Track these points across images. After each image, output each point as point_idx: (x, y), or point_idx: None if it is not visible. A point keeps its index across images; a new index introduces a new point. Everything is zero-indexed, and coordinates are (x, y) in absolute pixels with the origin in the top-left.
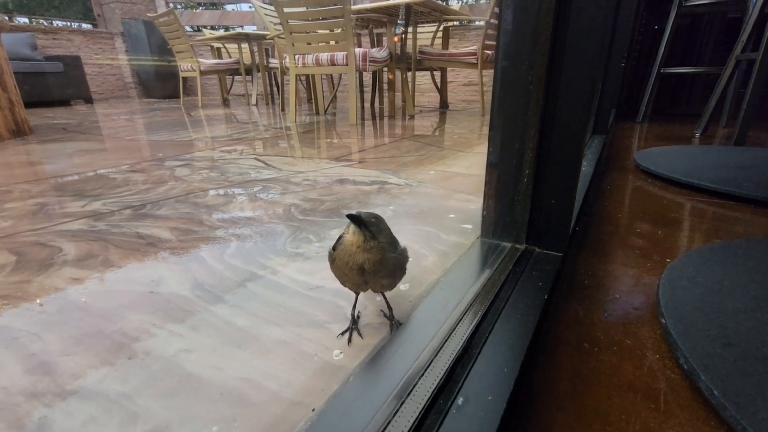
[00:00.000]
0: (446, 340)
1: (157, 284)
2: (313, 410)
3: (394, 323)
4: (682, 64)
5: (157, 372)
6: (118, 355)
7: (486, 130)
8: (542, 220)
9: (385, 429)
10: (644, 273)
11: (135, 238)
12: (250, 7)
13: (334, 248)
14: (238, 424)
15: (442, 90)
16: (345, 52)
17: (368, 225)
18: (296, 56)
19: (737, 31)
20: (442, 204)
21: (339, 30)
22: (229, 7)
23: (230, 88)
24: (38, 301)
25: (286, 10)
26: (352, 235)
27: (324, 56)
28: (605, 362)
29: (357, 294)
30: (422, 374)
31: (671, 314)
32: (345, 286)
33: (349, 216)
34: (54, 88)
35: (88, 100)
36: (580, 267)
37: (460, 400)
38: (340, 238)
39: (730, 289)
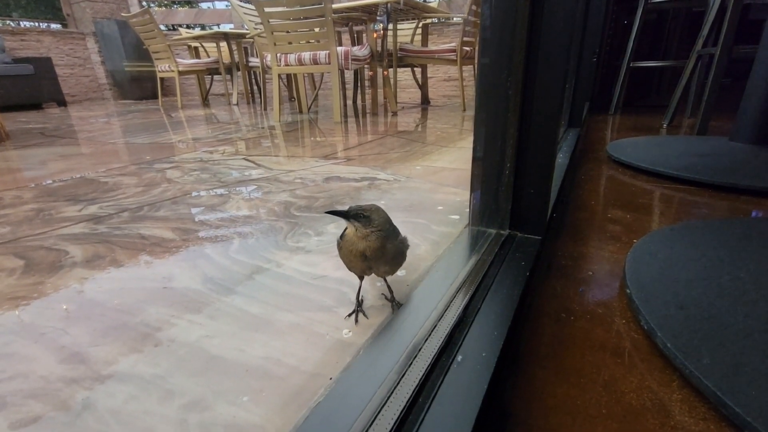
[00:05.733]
0: (445, 312)
1: (169, 280)
2: (331, 379)
3: (395, 304)
4: (650, 57)
5: (184, 356)
6: (145, 343)
7: (467, 125)
8: (523, 208)
9: (399, 382)
10: (614, 253)
11: (138, 239)
12: (226, 5)
13: (341, 237)
14: (265, 394)
15: (423, 86)
16: (327, 51)
17: (356, 216)
18: (278, 55)
19: (701, 25)
20: (430, 197)
21: (320, 29)
22: (204, 5)
23: (209, 87)
24: (57, 300)
25: (267, 9)
26: (349, 228)
27: (306, 55)
28: (580, 328)
29: (361, 279)
30: (427, 338)
31: (635, 285)
32: (351, 271)
33: (329, 212)
34: (25, 91)
35: (61, 103)
36: (558, 249)
37: (459, 358)
38: (346, 228)
39: (685, 263)
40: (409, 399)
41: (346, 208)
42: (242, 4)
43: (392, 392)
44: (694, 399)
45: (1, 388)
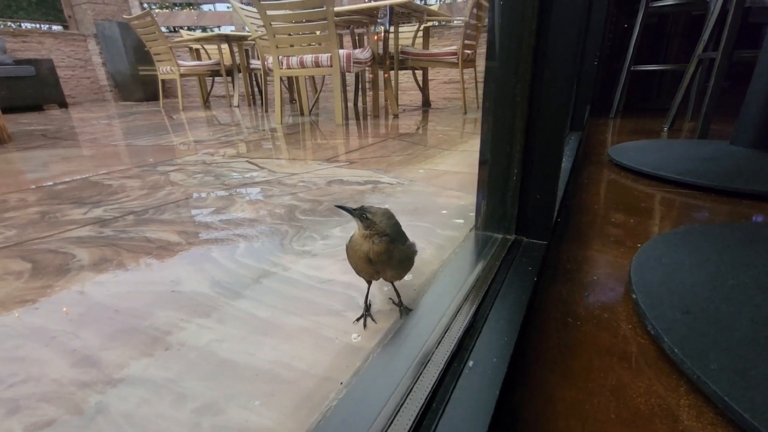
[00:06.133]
0: (454, 318)
1: (176, 284)
2: (342, 383)
3: (404, 309)
4: (650, 61)
5: (194, 360)
6: (155, 347)
7: (468, 128)
8: (529, 213)
9: (413, 387)
10: (618, 257)
11: (145, 242)
12: (228, 7)
13: (350, 240)
14: (277, 398)
15: (424, 89)
16: (329, 54)
17: (360, 216)
18: (280, 58)
19: (701, 28)
20: (434, 201)
21: (322, 32)
22: (205, 8)
23: (210, 89)
24: (66, 304)
25: (269, 12)
26: (356, 228)
27: (308, 58)
28: (587, 333)
29: (369, 283)
30: (438, 344)
31: (641, 290)
32: (359, 275)
33: (338, 206)
34: (26, 92)
35: (63, 105)
36: (563, 254)
37: (470, 363)
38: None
39: (690, 267)
40: (423, 403)
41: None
42: (243, 6)
43: (407, 397)
44: (701, 404)
45: (13, 392)
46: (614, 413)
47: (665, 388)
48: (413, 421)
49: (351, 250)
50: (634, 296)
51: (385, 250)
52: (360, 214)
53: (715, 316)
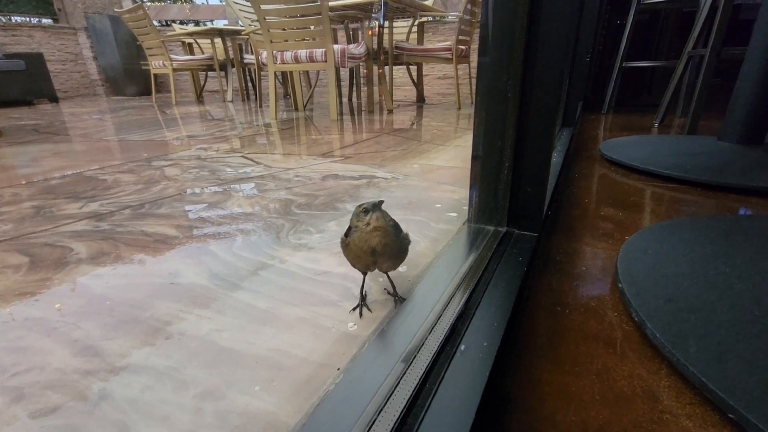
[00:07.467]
0: (447, 305)
1: (175, 276)
2: (339, 369)
3: (398, 299)
4: (642, 57)
5: (195, 348)
6: (156, 336)
7: (462, 123)
8: (520, 206)
9: (407, 370)
10: (607, 249)
11: (142, 236)
12: (220, 1)
13: (346, 235)
14: (276, 383)
15: (419, 84)
16: (323, 49)
17: (381, 210)
18: (274, 53)
19: (692, 25)
20: (428, 195)
21: (317, 27)
22: (198, 1)
23: (204, 84)
24: (66, 296)
25: (263, 6)
26: (376, 220)
27: (303, 53)
28: (574, 321)
29: (364, 275)
30: (431, 330)
31: (626, 280)
32: (355, 267)
33: (378, 203)
34: (16, 87)
35: (53, 99)
36: (553, 245)
37: (462, 347)
38: (349, 227)
39: (674, 258)
40: (417, 384)
41: (360, 203)
42: (237, 0)
43: (401, 379)
44: (681, 385)
45: (18, 380)
46: (599, 395)
47: (647, 371)
48: (407, 401)
49: (355, 243)
50: (620, 286)
51: (389, 242)
52: (380, 209)
53: (696, 304)
